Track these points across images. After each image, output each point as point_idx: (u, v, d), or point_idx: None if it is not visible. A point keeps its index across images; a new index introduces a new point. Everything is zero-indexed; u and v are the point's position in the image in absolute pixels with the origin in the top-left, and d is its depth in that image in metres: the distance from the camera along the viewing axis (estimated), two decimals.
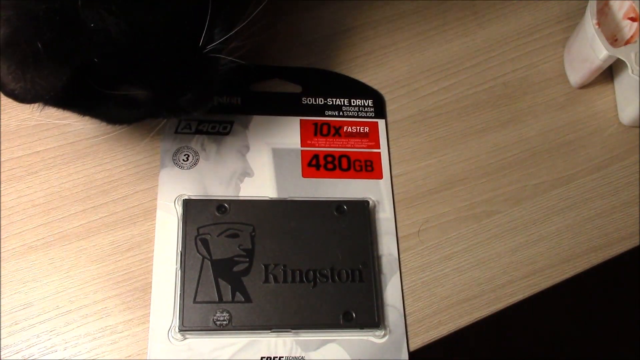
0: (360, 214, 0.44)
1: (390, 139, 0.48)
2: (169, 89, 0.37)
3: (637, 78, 0.47)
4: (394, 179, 0.47)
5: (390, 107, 0.49)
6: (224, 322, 0.40)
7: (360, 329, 0.41)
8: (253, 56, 0.49)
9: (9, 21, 0.31)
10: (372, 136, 0.48)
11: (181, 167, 0.44)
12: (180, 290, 0.40)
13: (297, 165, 0.46)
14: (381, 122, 0.48)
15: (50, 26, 0.31)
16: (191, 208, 0.42)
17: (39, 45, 0.30)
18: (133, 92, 0.36)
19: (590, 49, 0.48)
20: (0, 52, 0.31)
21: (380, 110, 0.49)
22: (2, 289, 0.40)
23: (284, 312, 0.40)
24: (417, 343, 0.42)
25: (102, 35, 0.32)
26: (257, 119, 0.47)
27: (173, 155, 0.45)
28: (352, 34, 0.52)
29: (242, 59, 0.39)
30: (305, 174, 0.46)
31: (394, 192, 0.46)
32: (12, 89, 0.31)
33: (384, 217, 0.45)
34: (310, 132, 0.47)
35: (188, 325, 0.39)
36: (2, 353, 0.39)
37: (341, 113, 0.48)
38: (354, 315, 0.41)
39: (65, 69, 0.32)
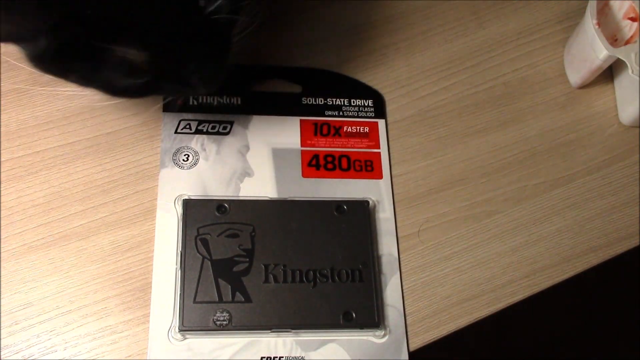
0: (360, 214, 0.44)
1: (390, 139, 0.48)
2: (167, 52, 0.35)
3: (637, 78, 0.47)
4: (394, 179, 0.47)
5: (390, 107, 0.49)
6: (224, 322, 0.40)
7: (360, 329, 0.41)
8: (254, 56, 0.49)
9: None
10: (372, 136, 0.48)
11: (181, 167, 0.44)
12: (180, 290, 0.40)
13: (297, 165, 0.46)
14: (381, 122, 0.48)
15: None
16: (191, 208, 0.42)
17: None
18: (130, 53, 0.34)
19: (590, 49, 0.48)
20: None
21: (380, 110, 0.49)
22: (2, 289, 0.40)
23: (284, 312, 0.40)
24: (417, 343, 0.42)
25: None
26: (257, 119, 0.47)
27: (173, 155, 0.45)
28: (352, 34, 0.52)
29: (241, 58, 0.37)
30: (305, 174, 0.46)
31: (394, 192, 0.46)
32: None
33: (384, 217, 0.45)
34: (310, 132, 0.47)
35: (188, 325, 0.39)
36: (2, 353, 0.39)
37: (341, 113, 0.48)
38: (354, 315, 0.41)
39: (52, 12, 0.30)
